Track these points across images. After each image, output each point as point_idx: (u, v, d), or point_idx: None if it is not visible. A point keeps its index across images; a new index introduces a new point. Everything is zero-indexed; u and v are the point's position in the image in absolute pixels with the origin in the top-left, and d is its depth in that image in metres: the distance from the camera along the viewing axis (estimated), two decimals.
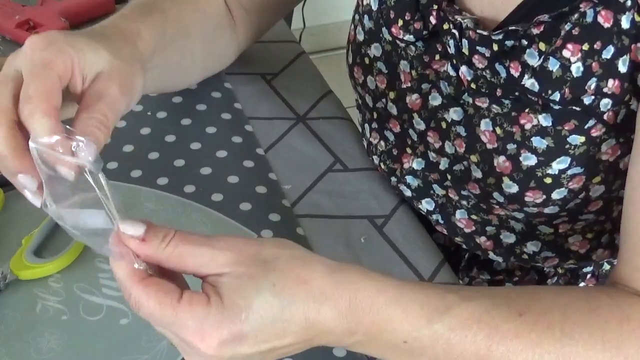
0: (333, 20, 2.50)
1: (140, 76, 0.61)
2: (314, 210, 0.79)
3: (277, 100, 0.93)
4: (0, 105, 0.52)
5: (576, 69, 0.61)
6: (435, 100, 0.72)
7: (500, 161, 0.68)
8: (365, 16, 0.76)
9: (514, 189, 0.68)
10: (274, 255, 0.51)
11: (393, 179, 0.81)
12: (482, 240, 0.79)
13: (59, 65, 0.53)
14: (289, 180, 0.82)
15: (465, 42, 0.66)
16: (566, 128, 0.64)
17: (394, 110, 0.77)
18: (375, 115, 0.81)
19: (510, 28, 0.63)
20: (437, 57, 0.71)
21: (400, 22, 0.71)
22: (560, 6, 0.61)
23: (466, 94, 0.69)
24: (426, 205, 0.80)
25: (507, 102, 0.66)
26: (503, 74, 0.65)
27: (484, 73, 0.66)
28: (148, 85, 0.70)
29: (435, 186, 0.78)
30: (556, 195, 0.67)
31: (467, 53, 0.66)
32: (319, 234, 0.76)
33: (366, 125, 0.84)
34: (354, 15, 0.80)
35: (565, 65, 0.61)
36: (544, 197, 0.68)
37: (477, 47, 0.65)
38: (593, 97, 0.61)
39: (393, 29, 0.72)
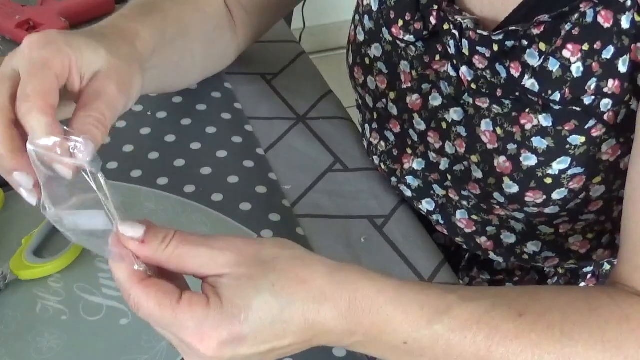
0: (333, 20, 2.50)
1: (138, 75, 0.61)
2: (314, 210, 0.79)
3: (277, 100, 0.93)
4: None
5: (576, 69, 0.61)
6: (436, 101, 0.72)
7: (501, 161, 0.68)
8: (366, 16, 0.76)
9: (515, 189, 0.68)
10: (274, 255, 0.51)
11: (393, 179, 0.81)
12: (482, 240, 0.79)
13: (56, 64, 0.53)
14: (289, 180, 0.82)
15: (465, 42, 0.66)
16: (566, 128, 0.64)
17: (394, 111, 0.77)
18: (375, 116, 0.81)
19: (510, 28, 0.63)
20: (438, 57, 0.71)
21: (401, 23, 0.71)
22: (560, 6, 0.61)
23: (466, 94, 0.69)
24: (426, 205, 0.80)
25: (507, 102, 0.66)
26: (503, 74, 0.65)
27: (484, 73, 0.66)
28: (147, 85, 0.70)
29: (435, 186, 0.78)
30: (556, 195, 0.67)
31: (467, 53, 0.66)
32: (319, 234, 0.76)
33: (366, 126, 0.84)
34: (354, 16, 0.80)
35: (566, 66, 0.61)
36: (545, 197, 0.68)
37: (478, 48, 0.65)
38: (593, 97, 0.61)
39: (393, 29, 0.72)
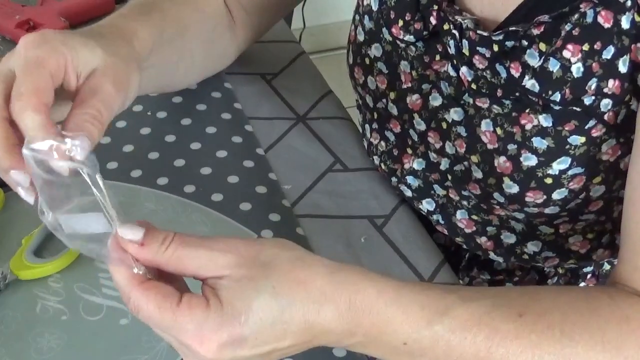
0: (333, 20, 2.50)
1: (136, 74, 0.61)
2: (314, 210, 0.79)
3: (277, 100, 0.93)
4: None
5: (576, 69, 0.61)
6: (436, 101, 0.72)
7: (501, 161, 0.68)
8: (366, 16, 0.76)
9: (515, 189, 0.68)
10: (274, 256, 0.50)
11: (393, 179, 0.81)
12: (482, 240, 0.79)
13: (51, 63, 0.53)
14: (289, 180, 0.82)
15: (465, 42, 0.66)
16: (566, 128, 0.64)
17: (394, 111, 0.77)
18: (375, 116, 0.81)
19: (510, 29, 0.63)
20: (438, 57, 0.71)
21: (401, 23, 0.71)
22: (560, 6, 0.61)
23: (467, 94, 0.69)
24: (427, 205, 0.80)
25: (507, 102, 0.66)
26: (503, 75, 0.65)
27: (484, 73, 0.66)
28: (146, 85, 0.70)
29: (435, 186, 0.78)
30: (557, 195, 0.67)
31: (467, 53, 0.66)
32: (319, 234, 0.76)
33: (367, 126, 0.84)
34: (354, 16, 0.80)
35: (566, 66, 0.61)
36: (545, 197, 0.68)
37: (478, 48, 0.65)
38: (593, 97, 0.61)
39: (393, 30, 0.72)
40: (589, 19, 0.60)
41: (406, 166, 0.79)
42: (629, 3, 0.58)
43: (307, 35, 2.23)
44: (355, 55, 0.79)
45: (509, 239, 0.77)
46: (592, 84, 0.61)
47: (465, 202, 0.77)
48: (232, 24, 0.85)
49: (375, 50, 0.76)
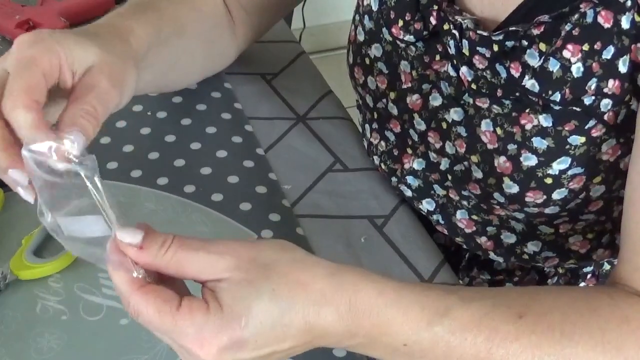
0: (333, 20, 2.50)
1: (132, 71, 0.61)
2: (314, 210, 0.79)
3: (277, 100, 0.93)
4: None
5: (576, 69, 0.61)
6: (436, 101, 0.72)
7: (501, 161, 0.68)
8: (366, 16, 0.76)
9: (515, 189, 0.68)
10: (273, 258, 0.50)
11: (394, 179, 0.81)
12: (482, 240, 0.79)
13: (44, 62, 0.53)
14: (289, 180, 0.82)
15: (465, 42, 0.66)
16: (566, 128, 0.64)
17: (394, 111, 0.77)
18: (375, 116, 0.81)
19: (510, 29, 0.63)
20: (438, 57, 0.71)
21: (401, 23, 0.71)
22: (560, 6, 0.61)
23: (467, 94, 0.69)
24: (427, 205, 0.80)
25: (507, 102, 0.66)
26: (503, 75, 0.65)
27: (484, 73, 0.66)
28: (145, 85, 0.70)
29: (435, 186, 0.78)
30: (557, 195, 0.67)
31: (467, 53, 0.66)
32: (319, 234, 0.76)
33: (367, 126, 0.84)
34: (355, 16, 0.80)
35: (566, 66, 0.61)
36: (545, 197, 0.68)
37: (478, 48, 0.65)
38: (593, 97, 0.61)
39: (393, 30, 0.72)
40: (589, 19, 0.60)
41: (406, 166, 0.79)
42: (629, 3, 0.58)
43: (307, 35, 2.23)
44: (356, 55, 0.79)
45: (509, 239, 0.77)
46: (592, 84, 0.61)
47: (465, 202, 0.77)
48: (232, 24, 0.85)
49: (375, 50, 0.76)
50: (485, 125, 0.68)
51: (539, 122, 0.64)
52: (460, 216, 0.78)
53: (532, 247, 0.77)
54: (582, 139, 0.64)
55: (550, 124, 0.64)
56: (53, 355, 0.63)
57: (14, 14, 0.98)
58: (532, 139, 0.65)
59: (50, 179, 0.49)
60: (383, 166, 0.82)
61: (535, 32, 0.62)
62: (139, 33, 0.66)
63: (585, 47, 0.60)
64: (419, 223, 0.80)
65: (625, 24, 0.59)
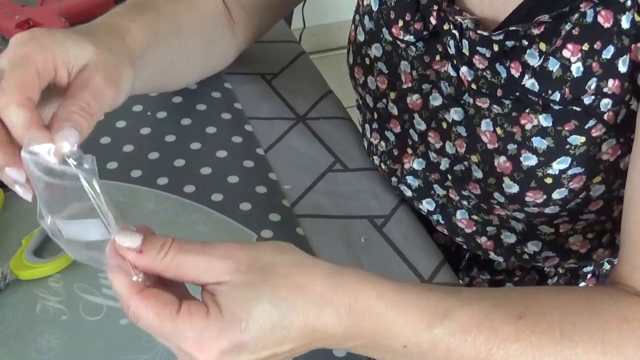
0: (333, 20, 2.50)
1: (128, 69, 0.61)
2: (314, 210, 0.79)
3: (277, 100, 0.93)
4: None
5: (576, 69, 0.61)
6: (436, 101, 0.72)
7: (501, 161, 0.68)
8: (366, 17, 0.76)
9: (515, 189, 0.68)
10: (273, 261, 0.50)
11: (394, 179, 0.81)
12: (482, 240, 0.79)
13: (38, 59, 0.53)
14: (289, 180, 0.82)
15: (465, 42, 0.66)
16: (566, 128, 0.64)
17: (394, 111, 0.77)
18: (375, 116, 0.81)
19: (510, 28, 0.63)
20: (438, 57, 0.71)
21: (401, 23, 0.71)
22: (560, 6, 0.61)
23: (467, 94, 0.69)
24: (427, 205, 0.80)
25: (507, 102, 0.66)
26: (503, 74, 0.65)
27: (484, 73, 0.66)
28: (144, 84, 0.70)
29: (435, 186, 0.78)
30: (557, 195, 0.67)
31: (467, 53, 0.66)
32: (319, 234, 0.76)
33: (367, 126, 0.84)
34: (355, 16, 0.80)
35: (566, 66, 0.61)
36: (545, 197, 0.68)
37: (478, 48, 0.65)
38: (593, 97, 0.61)
39: (393, 30, 0.72)
40: (589, 19, 0.60)
41: (406, 166, 0.79)
42: (629, 3, 0.58)
43: (307, 35, 2.23)
44: (356, 55, 0.79)
45: (509, 238, 0.77)
46: (592, 83, 0.61)
47: (465, 202, 0.77)
48: (232, 24, 0.85)
49: (375, 50, 0.76)
50: (485, 125, 0.68)
51: (539, 122, 0.64)
52: (460, 216, 0.78)
53: (532, 247, 0.77)
54: (582, 139, 0.64)
55: (550, 124, 0.64)
56: (53, 355, 0.63)
57: (14, 14, 0.98)
58: (532, 139, 0.65)
59: (49, 181, 0.48)
60: (383, 166, 0.82)
61: (535, 31, 0.62)
62: (136, 32, 0.66)
63: (585, 46, 0.60)
64: (419, 223, 0.80)
65: (625, 23, 0.59)
